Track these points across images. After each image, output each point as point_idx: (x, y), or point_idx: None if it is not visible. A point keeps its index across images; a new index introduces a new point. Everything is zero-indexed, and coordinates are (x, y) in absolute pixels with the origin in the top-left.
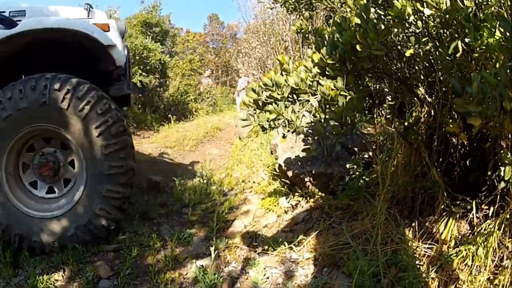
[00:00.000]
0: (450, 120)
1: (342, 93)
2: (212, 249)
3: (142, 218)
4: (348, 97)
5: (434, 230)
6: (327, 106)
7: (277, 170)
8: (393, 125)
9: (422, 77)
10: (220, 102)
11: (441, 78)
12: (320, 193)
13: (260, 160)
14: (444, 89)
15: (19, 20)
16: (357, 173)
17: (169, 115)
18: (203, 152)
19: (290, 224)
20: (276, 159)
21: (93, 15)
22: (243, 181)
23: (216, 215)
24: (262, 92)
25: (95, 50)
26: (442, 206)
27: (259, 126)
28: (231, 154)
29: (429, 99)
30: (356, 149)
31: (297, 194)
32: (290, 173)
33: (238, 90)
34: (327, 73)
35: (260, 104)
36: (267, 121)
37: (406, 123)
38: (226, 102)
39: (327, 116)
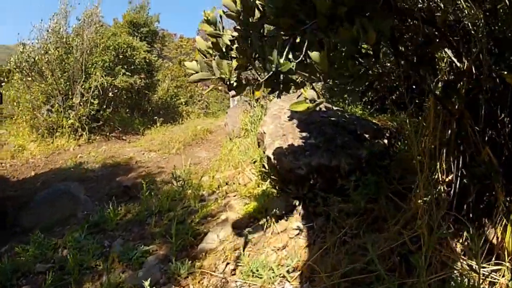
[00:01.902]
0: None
1: None
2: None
3: (94, 230)
4: None
5: (494, 239)
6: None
7: (266, 166)
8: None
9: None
10: (215, 108)
11: None
12: (323, 193)
13: (248, 157)
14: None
15: None
16: (373, 164)
17: (156, 118)
18: (190, 155)
19: (283, 238)
20: (264, 152)
21: None
22: (226, 183)
23: (186, 226)
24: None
25: None
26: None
27: (221, 81)
28: (219, 156)
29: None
30: (366, 135)
31: (292, 195)
32: (282, 168)
33: (232, 94)
34: None
35: (223, 47)
36: (234, 71)
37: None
38: (221, 108)
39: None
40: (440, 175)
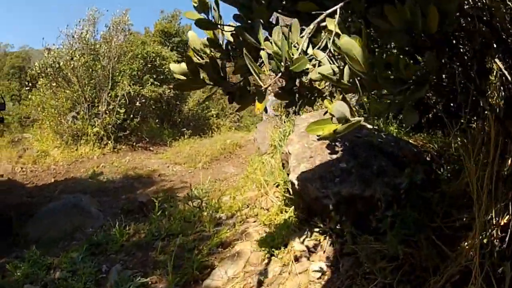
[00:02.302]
0: None
1: None
2: None
3: (96, 251)
4: None
5: None
6: None
7: (291, 191)
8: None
9: None
10: (248, 121)
11: None
12: (353, 229)
13: (273, 179)
14: None
15: None
16: (414, 195)
17: (184, 130)
18: (216, 170)
19: (302, 280)
20: (288, 174)
21: None
22: (248, 206)
23: (192, 257)
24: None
25: None
26: None
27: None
28: (244, 173)
29: None
30: (405, 160)
31: (316, 229)
32: (307, 196)
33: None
34: None
35: (223, 43)
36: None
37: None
38: (254, 121)
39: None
40: (494, 216)
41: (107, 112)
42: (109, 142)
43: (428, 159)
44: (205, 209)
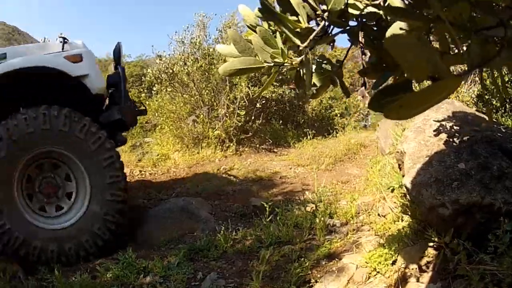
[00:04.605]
0: None
1: None
2: None
3: (196, 256)
4: None
5: None
6: None
7: (407, 197)
8: None
9: None
10: (373, 119)
11: None
12: (470, 245)
13: (391, 180)
14: None
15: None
16: None
17: (307, 131)
18: (340, 172)
19: None
20: (403, 176)
21: (69, 46)
22: (364, 212)
23: (291, 270)
24: None
25: (66, 82)
26: None
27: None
28: (366, 175)
29: None
30: None
31: (430, 243)
32: (421, 204)
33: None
34: None
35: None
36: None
37: None
38: (380, 118)
39: None
40: None
41: (227, 114)
42: (231, 144)
43: None
44: (320, 214)
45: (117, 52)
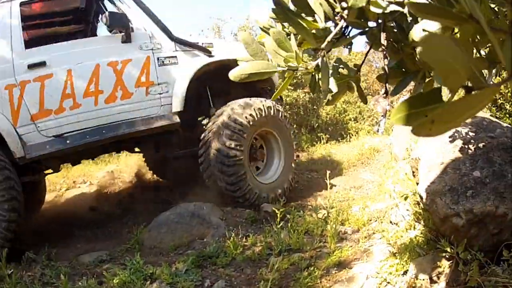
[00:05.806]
0: None
1: None
2: None
3: (204, 263)
4: None
5: None
6: None
7: (420, 205)
8: None
9: None
10: (388, 123)
11: None
12: (482, 256)
13: (405, 187)
14: None
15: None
16: None
17: (321, 135)
18: (352, 177)
19: None
20: (417, 183)
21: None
22: (376, 219)
23: (300, 280)
24: None
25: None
26: None
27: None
28: (379, 181)
29: None
30: None
31: (442, 253)
32: (434, 214)
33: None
34: None
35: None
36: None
37: None
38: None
39: None
40: None
41: None
42: None
43: None
44: (330, 221)
45: None
